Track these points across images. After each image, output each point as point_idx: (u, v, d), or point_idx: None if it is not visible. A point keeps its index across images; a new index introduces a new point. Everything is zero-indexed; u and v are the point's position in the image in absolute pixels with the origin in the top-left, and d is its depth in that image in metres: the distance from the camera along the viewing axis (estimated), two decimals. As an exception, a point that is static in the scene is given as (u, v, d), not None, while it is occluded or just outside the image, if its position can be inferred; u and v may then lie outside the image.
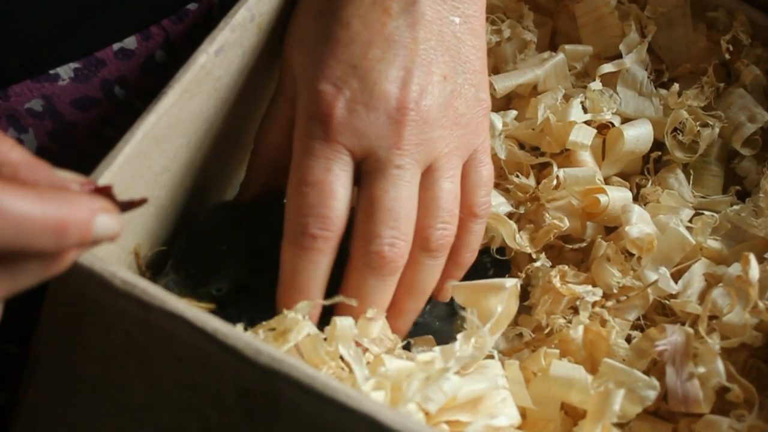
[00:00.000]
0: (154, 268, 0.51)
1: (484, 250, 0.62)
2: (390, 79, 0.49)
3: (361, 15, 0.50)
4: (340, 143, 0.48)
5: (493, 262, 0.62)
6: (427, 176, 0.50)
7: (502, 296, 0.52)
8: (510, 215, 0.62)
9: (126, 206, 0.39)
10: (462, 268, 0.55)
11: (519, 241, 0.61)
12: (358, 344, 0.48)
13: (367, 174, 0.49)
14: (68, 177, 0.38)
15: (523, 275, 0.60)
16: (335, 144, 0.48)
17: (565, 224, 0.60)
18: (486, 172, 0.54)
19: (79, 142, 0.59)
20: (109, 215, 0.36)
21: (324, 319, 0.49)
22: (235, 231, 0.51)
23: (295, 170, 0.49)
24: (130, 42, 0.59)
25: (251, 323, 0.46)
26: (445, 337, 0.56)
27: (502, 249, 0.62)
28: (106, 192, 0.39)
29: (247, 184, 0.57)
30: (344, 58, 0.49)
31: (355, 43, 0.49)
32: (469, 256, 0.55)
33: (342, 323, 0.47)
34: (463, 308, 0.53)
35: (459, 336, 0.49)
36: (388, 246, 0.48)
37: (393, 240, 0.48)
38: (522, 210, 0.63)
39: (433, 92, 0.50)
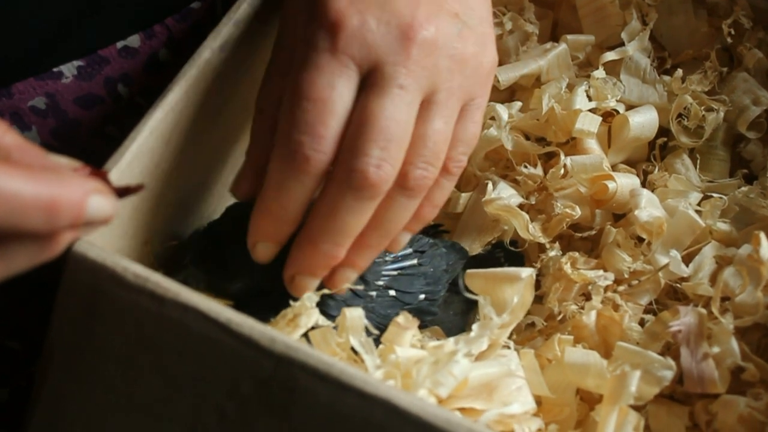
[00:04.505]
0: (164, 263, 0.51)
1: (497, 244, 0.62)
2: None
3: None
4: (347, 56, 0.46)
5: (507, 255, 0.62)
6: (424, 109, 0.48)
7: (518, 287, 0.52)
8: (520, 207, 0.62)
9: (122, 192, 0.39)
10: (419, 222, 0.51)
11: (532, 231, 0.60)
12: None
13: (368, 88, 0.46)
14: (62, 162, 0.38)
15: (538, 265, 0.60)
16: (342, 57, 0.46)
17: (577, 212, 0.60)
18: (473, 129, 0.51)
19: (82, 140, 0.59)
20: (103, 196, 0.36)
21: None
22: None
23: (296, 82, 0.46)
24: (134, 40, 0.59)
25: None
26: (458, 332, 0.56)
27: (514, 242, 0.62)
28: (101, 177, 0.38)
29: (249, 154, 0.51)
30: None
31: None
32: (430, 211, 0.51)
33: (352, 314, 0.47)
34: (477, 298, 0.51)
35: (474, 326, 0.49)
36: (374, 167, 0.45)
37: (380, 162, 0.45)
38: (532, 200, 0.63)
39: (443, 22, 0.47)
